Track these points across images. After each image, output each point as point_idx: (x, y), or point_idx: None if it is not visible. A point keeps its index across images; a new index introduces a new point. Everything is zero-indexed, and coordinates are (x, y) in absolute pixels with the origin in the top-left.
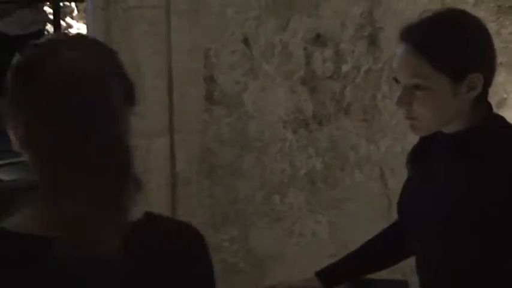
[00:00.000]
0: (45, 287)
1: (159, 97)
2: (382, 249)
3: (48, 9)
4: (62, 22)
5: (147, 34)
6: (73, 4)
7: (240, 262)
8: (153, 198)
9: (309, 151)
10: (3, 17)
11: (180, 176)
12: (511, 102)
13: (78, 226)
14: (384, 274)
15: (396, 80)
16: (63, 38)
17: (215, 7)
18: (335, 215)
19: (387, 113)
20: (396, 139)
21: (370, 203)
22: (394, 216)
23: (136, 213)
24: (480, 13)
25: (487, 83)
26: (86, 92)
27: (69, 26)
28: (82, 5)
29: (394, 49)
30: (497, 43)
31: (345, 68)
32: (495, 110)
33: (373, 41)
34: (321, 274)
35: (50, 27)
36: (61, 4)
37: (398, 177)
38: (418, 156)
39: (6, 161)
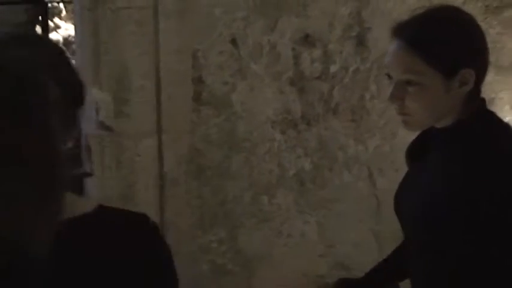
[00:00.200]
0: None
1: (147, 98)
2: (397, 266)
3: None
4: (50, 23)
5: (135, 35)
6: (61, 5)
7: (228, 263)
8: (140, 199)
9: (298, 151)
10: None
11: (168, 177)
12: (499, 102)
13: (6, 224)
14: None
15: (389, 76)
16: (9, 37)
17: (203, 8)
18: (323, 216)
19: (375, 113)
20: (384, 139)
21: (358, 203)
22: (383, 216)
23: (87, 207)
24: None
25: (480, 79)
26: (9, 89)
27: (58, 26)
28: (70, 6)
29: (382, 49)
30: None
31: (333, 68)
32: None
33: (361, 41)
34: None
35: (38, 28)
36: (49, 5)
37: (386, 177)
38: (415, 151)
39: None
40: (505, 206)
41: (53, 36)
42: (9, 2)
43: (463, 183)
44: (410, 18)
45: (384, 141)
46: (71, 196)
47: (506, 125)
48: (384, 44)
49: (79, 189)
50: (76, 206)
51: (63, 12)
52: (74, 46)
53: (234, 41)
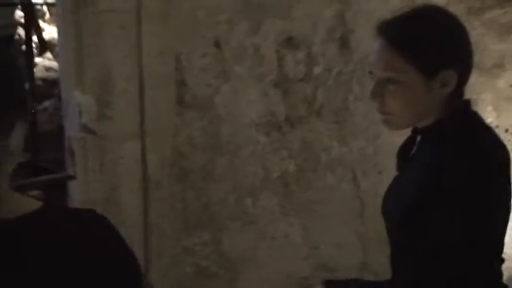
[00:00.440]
0: None
1: (130, 101)
2: None
3: (19, 12)
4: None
5: (118, 38)
6: (45, 7)
7: (212, 266)
8: (124, 201)
9: (282, 153)
10: None
11: (151, 180)
12: (481, 103)
13: None
14: None
15: (372, 74)
16: None
17: (186, 10)
18: (308, 217)
19: (359, 115)
20: (368, 141)
21: (342, 205)
22: (367, 217)
23: (33, 205)
24: None
25: (462, 80)
26: None
27: (42, 29)
28: (54, 9)
29: (366, 51)
30: None
31: (316, 70)
32: None
33: (344, 43)
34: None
35: (21, 31)
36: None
37: (370, 178)
38: (404, 153)
39: None
40: (477, 206)
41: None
42: None
43: (435, 184)
44: (394, 16)
45: (367, 143)
46: (13, 195)
47: (486, 126)
48: (367, 46)
49: (63, 191)
50: (20, 205)
51: (47, 15)
52: (57, 49)
53: (217, 44)
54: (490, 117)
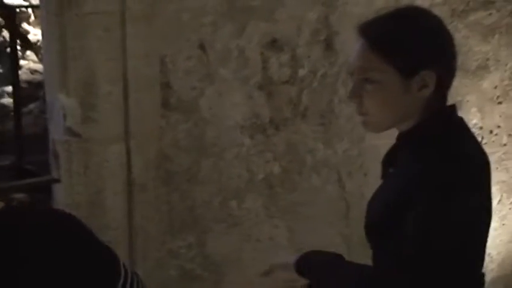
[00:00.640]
0: None
1: (114, 103)
2: None
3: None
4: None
5: (102, 40)
6: (30, 10)
7: (197, 268)
8: (109, 204)
9: (266, 156)
10: None
11: (136, 183)
12: (465, 105)
13: None
14: None
15: (352, 75)
16: None
17: (170, 13)
18: (293, 219)
19: (344, 117)
20: (353, 143)
21: (327, 207)
22: (352, 219)
23: None
24: None
25: (442, 82)
26: None
27: (26, 31)
28: (39, 11)
29: (350, 53)
30: None
31: (301, 72)
32: None
33: (329, 46)
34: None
35: (5, 33)
36: (17, 10)
37: (355, 180)
38: (387, 160)
39: None
40: (460, 212)
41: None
42: None
43: (407, 190)
44: (375, 17)
45: (352, 145)
46: None
47: (466, 132)
48: (352, 48)
49: (48, 194)
50: None
51: (32, 18)
52: (42, 51)
53: (202, 46)
54: (474, 119)
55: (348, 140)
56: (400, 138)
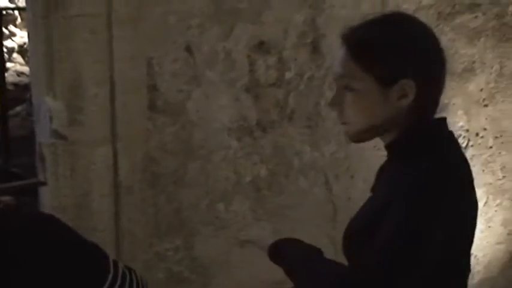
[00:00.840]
0: None
1: (100, 106)
2: None
3: None
4: (4, 30)
5: (88, 43)
6: (16, 12)
7: (184, 271)
8: (95, 207)
9: (254, 158)
10: None
11: (123, 185)
12: (452, 108)
13: None
14: None
15: (335, 81)
16: None
17: (157, 15)
18: (280, 222)
19: (330, 120)
20: (339, 145)
21: (315, 209)
22: (339, 221)
23: None
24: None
25: (424, 92)
26: None
27: (13, 34)
28: (26, 13)
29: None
30: None
31: (288, 75)
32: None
33: (315, 48)
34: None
35: None
36: (4, 12)
37: (342, 183)
38: (379, 173)
39: None
40: (447, 221)
41: (8, 43)
42: None
43: (383, 204)
44: (358, 24)
45: (339, 148)
46: None
47: (449, 146)
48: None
49: (34, 197)
50: None
51: (19, 20)
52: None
53: (188, 49)
54: (460, 121)
55: (334, 143)
56: (386, 149)
